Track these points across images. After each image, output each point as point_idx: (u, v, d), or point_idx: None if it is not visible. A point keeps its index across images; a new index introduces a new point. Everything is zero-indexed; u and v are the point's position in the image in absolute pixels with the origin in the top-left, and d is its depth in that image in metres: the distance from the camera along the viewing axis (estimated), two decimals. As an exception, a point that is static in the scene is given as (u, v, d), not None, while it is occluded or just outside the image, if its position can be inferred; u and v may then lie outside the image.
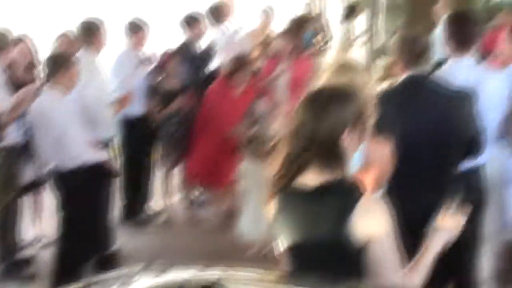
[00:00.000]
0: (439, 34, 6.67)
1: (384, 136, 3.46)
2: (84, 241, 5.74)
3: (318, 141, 2.40)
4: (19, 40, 6.66)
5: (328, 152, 2.43)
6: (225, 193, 7.32)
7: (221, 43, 8.34)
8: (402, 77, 4.06)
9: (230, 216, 7.07)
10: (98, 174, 5.72)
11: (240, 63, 7.04)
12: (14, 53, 6.39)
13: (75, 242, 5.68)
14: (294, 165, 2.46)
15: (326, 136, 2.40)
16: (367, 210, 2.32)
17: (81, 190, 5.51)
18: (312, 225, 2.45)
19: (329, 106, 2.44)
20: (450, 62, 4.59)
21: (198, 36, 8.10)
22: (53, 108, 5.47)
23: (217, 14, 8.99)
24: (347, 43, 12.25)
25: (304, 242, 2.48)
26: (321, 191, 2.41)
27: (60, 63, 5.63)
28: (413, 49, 4.13)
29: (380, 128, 3.32)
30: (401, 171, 3.54)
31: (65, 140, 5.37)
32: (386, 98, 3.78)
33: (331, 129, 2.40)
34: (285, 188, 2.50)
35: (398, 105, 3.87)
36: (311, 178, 2.42)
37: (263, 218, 5.29)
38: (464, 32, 4.59)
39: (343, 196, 2.41)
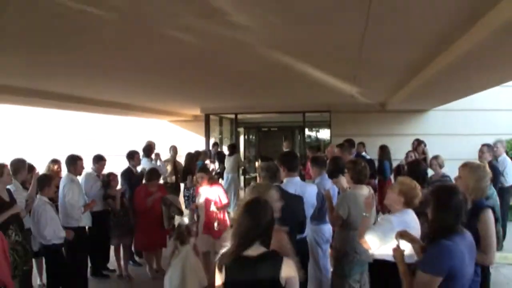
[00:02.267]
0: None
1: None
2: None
3: (261, 228, 2.74)
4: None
5: (266, 235, 2.78)
6: (156, 256, 7.30)
7: (148, 168, 8.29)
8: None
9: (158, 271, 7.10)
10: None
11: (154, 175, 7.24)
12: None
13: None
14: (245, 243, 2.73)
15: (266, 226, 2.76)
16: (287, 265, 2.67)
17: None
18: (256, 275, 2.70)
19: (265, 208, 2.81)
20: (285, 180, 4.82)
21: (137, 164, 8.25)
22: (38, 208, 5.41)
23: (147, 151, 9.38)
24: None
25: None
26: (262, 258, 2.70)
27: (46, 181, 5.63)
28: (271, 171, 4.52)
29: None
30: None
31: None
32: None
33: (268, 221, 2.77)
34: (236, 257, 2.72)
35: None
36: (253, 251, 2.71)
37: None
38: (291, 163, 4.95)
39: (274, 259, 2.71)
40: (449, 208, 2.94)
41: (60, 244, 5.55)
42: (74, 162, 6.31)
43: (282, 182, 4.80)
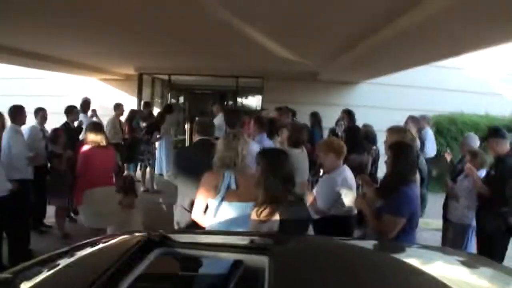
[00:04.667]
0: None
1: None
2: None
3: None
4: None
5: None
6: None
7: (85, 123, 8.59)
8: (196, 139, 4.84)
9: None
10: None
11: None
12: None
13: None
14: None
15: None
16: None
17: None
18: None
19: None
20: None
21: (74, 119, 8.53)
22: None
23: (84, 106, 9.59)
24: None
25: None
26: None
27: None
28: (204, 126, 4.94)
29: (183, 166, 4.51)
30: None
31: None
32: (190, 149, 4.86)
33: None
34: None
35: (196, 153, 4.65)
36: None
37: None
38: (232, 120, 5.69)
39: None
40: (406, 161, 3.70)
41: (5, 196, 5.63)
42: (20, 112, 6.45)
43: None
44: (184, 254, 2.23)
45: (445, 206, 6.00)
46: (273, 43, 7.46)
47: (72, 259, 2.17)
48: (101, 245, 2.37)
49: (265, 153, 3.61)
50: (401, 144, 3.98)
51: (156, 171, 11.44)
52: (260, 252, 2.01)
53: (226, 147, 3.84)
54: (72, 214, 8.17)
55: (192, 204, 4.22)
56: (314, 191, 4.66)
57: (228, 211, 3.64)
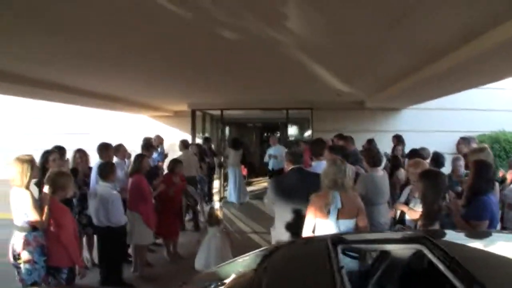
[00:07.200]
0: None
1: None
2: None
3: None
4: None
5: None
6: (173, 241, 8.11)
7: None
8: (290, 168, 5.20)
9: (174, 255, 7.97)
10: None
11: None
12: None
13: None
14: None
15: None
16: None
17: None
18: None
19: None
20: (313, 163, 6.16)
21: (151, 155, 9.05)
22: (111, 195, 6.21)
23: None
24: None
25: None
26: None
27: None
28: (296, 156, 5.35)
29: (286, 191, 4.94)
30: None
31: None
32: (287, 177, 5.19)
33: None
34: None
35: (293, 180, 5.05)
36: None
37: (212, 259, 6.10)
38: (318, 149, 6.34)
39: None
40: (486, 175, 4.43)
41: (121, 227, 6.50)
42: (107, 149, 7.35)
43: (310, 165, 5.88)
44: (357, 248, 2.88)
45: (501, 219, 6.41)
46: (327, 76, 7.93)
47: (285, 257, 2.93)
48: (302, 247, 3.22)
49: (431, 175, 4.33)
50: (483, 163, 4.64)
51: (229, 200, 13.22)
52: (417, 242, 2.66)
53: (336, 170, 4.39)
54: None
55: (287, 225, 4.85)
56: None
57: (336, 227, 4.20)
